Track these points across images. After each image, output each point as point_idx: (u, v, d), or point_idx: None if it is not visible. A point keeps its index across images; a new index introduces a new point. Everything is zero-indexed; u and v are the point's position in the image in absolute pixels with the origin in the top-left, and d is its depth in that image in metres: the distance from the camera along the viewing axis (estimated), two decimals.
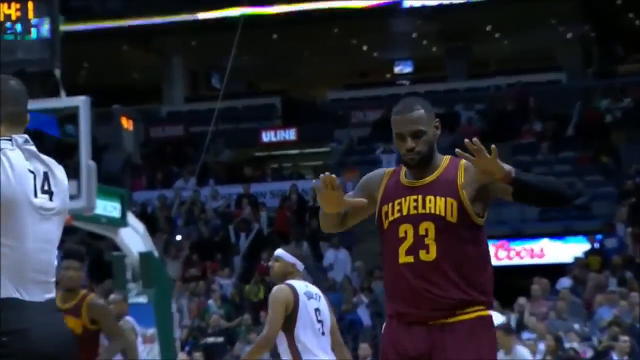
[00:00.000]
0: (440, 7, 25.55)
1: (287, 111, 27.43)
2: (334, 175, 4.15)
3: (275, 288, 6.38)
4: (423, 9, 25.72)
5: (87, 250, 14.13)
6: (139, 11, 25.87)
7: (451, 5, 25.66)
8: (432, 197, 4.16)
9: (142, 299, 11.95)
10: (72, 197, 11.52)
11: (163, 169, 24.02)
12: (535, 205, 4.19)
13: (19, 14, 10.92)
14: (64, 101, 11.41)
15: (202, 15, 26.03)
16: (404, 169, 4.29)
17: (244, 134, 25.43)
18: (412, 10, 25.92)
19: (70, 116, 11.40)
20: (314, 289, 6.49)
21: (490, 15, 26.07)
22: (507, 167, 3.96)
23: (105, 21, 26.00)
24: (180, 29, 26.18)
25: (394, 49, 29.42)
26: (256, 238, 20.06)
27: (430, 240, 4.11)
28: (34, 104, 12.68)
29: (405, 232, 4.15)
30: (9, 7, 10.85)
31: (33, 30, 11.14)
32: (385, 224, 4.20)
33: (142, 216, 17.81)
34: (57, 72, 11.44)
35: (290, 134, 25.71)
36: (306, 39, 26.96)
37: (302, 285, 6.41)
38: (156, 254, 12.78)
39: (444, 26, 26.80)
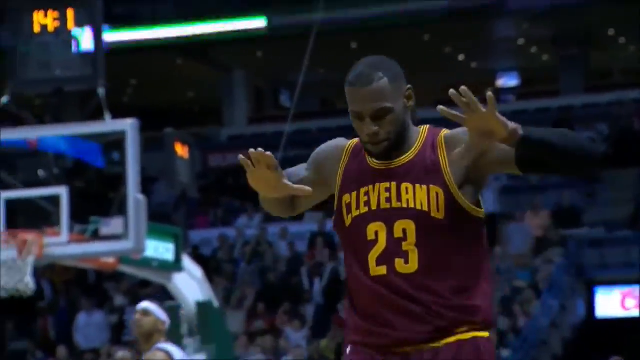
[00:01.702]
0: (552, 7, 25.43)
1: None
2: (269, 153, 3.66)
3: (150, 355, 6.49)
4: (532, 9, 25.62)
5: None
6: (195, 18, 26.17)
7: (566, 5, 25.52)
8: (410, 186, 3.66)
9: (201, 357, 12.02)
10: (118, 237, 11.73)
11: (223, 204, 24.19)
12: (552, 172, 3.68)
13: (57, 24, 11.13)
14: (108, 125, 11.58)
15: (269, 22, 26.21)
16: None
17: None
18: (519, 11, 25.84)
19: (116, 142, 11.55)
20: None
21: (612, 17, 25.88)
22: (511, 123, 3.47)
23: (155, 30, 26.33)
24: (244, 38, 26.40)
25: (496, 58, 29.34)
26: (332, 284, 20.06)
27: (409, 246, 3.62)
28: (73, 129, 12.99)
29: (376, 234, 3.66)
30: (46, 16, 11.04)
31: (73, 43, 11.34)
32: (348, 220, 3.72)
33: (199, 259, 17.95)
34: (101, 91, 11.62)
35: None
36: (390, 48, 26.97)
37: (177, 352, 6.53)
38: (216, 303, 12.86)
39: (557, 30, 26.66)
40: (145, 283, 18.24)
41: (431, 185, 3.63)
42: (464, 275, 3.64)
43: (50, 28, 11.18)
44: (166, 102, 29.16)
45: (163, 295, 14.04)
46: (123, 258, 11.75)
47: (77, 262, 12.46)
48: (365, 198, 3.69)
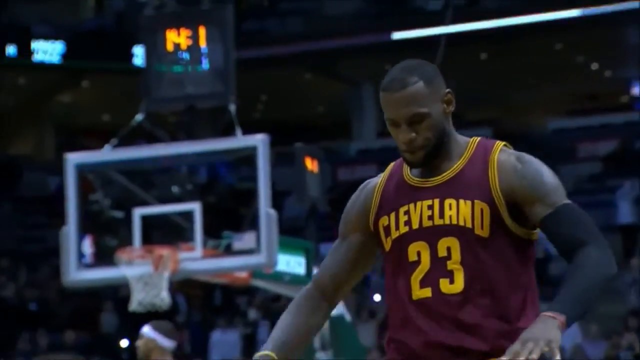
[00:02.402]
0: None
1: None
2: None
3: None
4: None
5: None
6: (323, 32, 26.35)
7: None
8: (454, 201, 3.44)
9: None
10: (250, 252, 11.90)
11: None
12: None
13: (189, 42, 11.34)
14: (239, 141, 11.75)
15: (397, 35, 26.29)
16: (404, 165, 3.57)
17: None
18: None
19: (247, 158, 11.72)
20: None
21: None
22: (550, 332, 3.13)
23: (284, 45, 26.58)
24: (372, 51, 26.49)
25: (631, 66, 28.92)
26: None
27: (454, 265, 3.41)
28: (205, 145, 13.22)
29: (418, 254, 3.44)
30: (179, 35, 11.26)
31: (204, 60, 11.54)
32: (388, 244, 3.50)
33: None
34: (232, 108, 11.80)
35: None
36: (521, 58, 26.85)
37: None
38: (348, 317, 12.95)
39: None
40: (277, 297, 18.45)
41: (476, 201, 3.41)
42: (510, 298, 3.42)
43: (183, 46, 11.39)
44: (296, 117, 29.39)
45: None
46: (255, 272, 11.91)
47: (210, 276, 12.66)
48: (406, 217, 3.47)
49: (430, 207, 3.44)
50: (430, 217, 3.43)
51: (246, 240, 11.42)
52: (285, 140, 24.13)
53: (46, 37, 25.41)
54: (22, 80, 26.27)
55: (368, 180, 3.64)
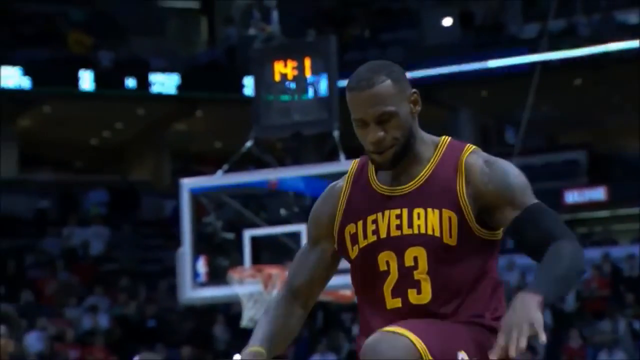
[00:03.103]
0: None
1: (594, 167, 26.94)
2: None
3: None
4: None
5: None
6: (423, 61, 26.32)
7: None
8: (422, 210, 3.24)
9: None
10: None
11: None
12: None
13: (295, 72, 11.40)
14: (343, 165, 11.75)
15: (492, 63, 26.14)
16: (370, 168, 3.37)
17: (544, 194, 24.98)
18: None
19: None
20: None
21: None
22: (531, 315, 2.99)
23: None
24: (469, 79, 26.38)
25: None
26: (561, 316, 19.74)
27: (421, 275, 3.22)
28: (311, 170, 13.25)
29: (387, 264, 3.25)
30: (285, 66, 11.34)
31: (309, 89, 11.59)
32: (354, 252, 3.31)
33: None
34: (336, 134, 11.82)
35: (599, 194, 25.22)
36: (616, 83, 26.47)
37: None
38: None
39: None
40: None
41: (444, 209, 3.23)
42: (479, 300, 3.28)
43: (290, 76, 11.45)
44: None
45: None
46: None
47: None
48: (374, 226, 3.26)
49: (399, 217, 3.26)
50: (399, 227, 3.25)
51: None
52: None
53: (163, 70, 25.75)
54: (141, 111, 26.64)
55: (334, 183, 3.45)
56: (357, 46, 27.19)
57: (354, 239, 3.30)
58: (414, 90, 3.32)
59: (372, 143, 3.26)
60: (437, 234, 3.22)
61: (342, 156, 11.73)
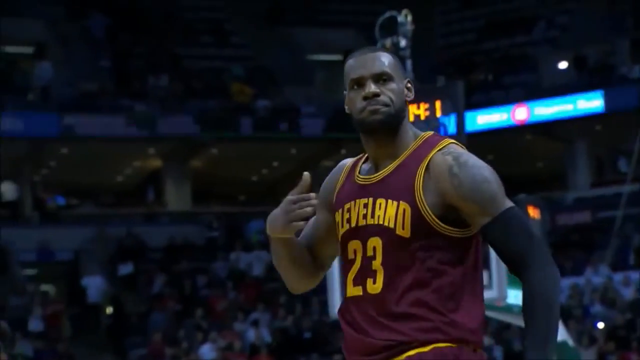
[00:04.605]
0: None
1: None
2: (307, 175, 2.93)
3: None
4: None
5: None
6: (537, 101, 25.99)
7: None
8: (383, 201, 2.92)
9: None
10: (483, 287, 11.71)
11: (572, 257, 23.66)
12: None
13: (427, 113, 11.38)
14: None
15: (605, 101, 25.67)
16: (364, 158, 3.05)
17: None
18: None
19: None
20: None
21: None
22: None
23: (507, 112, 26.32)
24: (584, 115, 25.95)
25: None
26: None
27: (377, 265, 2.90)
28: None
29: (355, 252, 2.96)
30: (418, 108, 11.33)
31: (440, 128, 11.55)
32: (339, 240, 3.02)
33: None
34: None
35: None
36: None
37: None
38: (571, 342, 12.57)
39: None
40: (508, 325, 18.08)
41: (401, 201, 2.88)
42: (433, 299, 2.87)
43: (422, 117, 11.43)
44: (519, 172, 28.96)
45: (524, 337, 13.84)
46: (488, 305, 11.74)
47: None
48: (347, 215, 2.98)
49: (365, 206, 2.95)
50: (365, 216, 2.94)
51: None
52: (511, 192, 23.82)
53: (311, 114, 26.00)
54: (293, 150, 26.92)
55: (342, 163, 3.12)
56: (481, 89, 27.02)
57: (337, 226, 3.02)
58: (408, 79, 3.01)
59: (367, 97, 2.92)
60: (392, 225, 2.89)
61: None
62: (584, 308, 20.78)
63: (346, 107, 3.02)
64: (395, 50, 11.83)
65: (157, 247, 23.85)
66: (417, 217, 2.87)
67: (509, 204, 2.88)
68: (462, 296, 2.90)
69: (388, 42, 11.91)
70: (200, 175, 27.10)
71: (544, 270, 2.81)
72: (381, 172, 2.96)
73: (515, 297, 11.75)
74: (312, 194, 2.90)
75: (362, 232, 2.94)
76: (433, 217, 2.87)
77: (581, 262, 23.22)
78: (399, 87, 2.95)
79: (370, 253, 2.92)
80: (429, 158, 2.91)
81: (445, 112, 11.44)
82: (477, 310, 2.92)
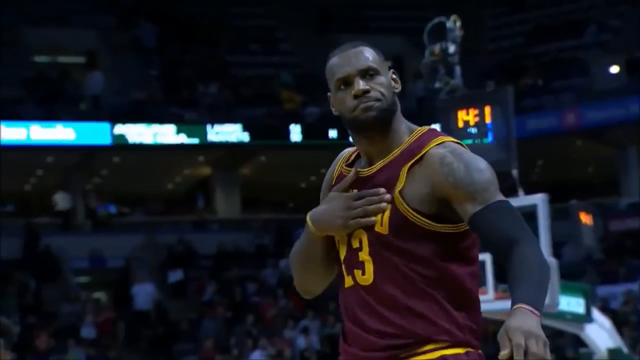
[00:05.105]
0: None
1: None
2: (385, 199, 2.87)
3: None
4: None
5: None
6: (588, 105, 25.75)
7: None
8: None
9: None
10: None
11: (626, 263, 23.40)
12: None
13: (477, 119, 11.37)
14: (522, 200, 11.60)
15: None
16: (353, 156, 3.07)
17: None
18: None
19: (528, 214, 11.55)
20: None
21: None
22: (515, 323, 2.56)
23: (558, 117, 26.13)
24: (636, 120, 25.66)
25: None
26: None
27: (365, 256, 2.89)
28: None
29: (339, 242, 2.97)
30: (468, 114, 11.33)
31: (489, 134, 11.52)
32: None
33: (606, 311, 17.44)
34: (514, 172, 11.68)
35: None
36: None
37: None
38: (625, 349, 12.44)
39: None
40: (560, 332, 17.93)
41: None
42: (430, 292, 2.81)
43: (471, 123, 11.42)
44: (569, 177, 28.74)
45: (577, 343, 13.76)
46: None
47: (500, 315, 12.49)
48: None
49: None
50: None
51: None
52: (562, 198, 23.64)
53: None
54: None
55: (342, 152, 3.13)
56: (531, 94, 26.85)
57: None
58: (392, 70, 2.96)
59: (357, 95, 2.85)
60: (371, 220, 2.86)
61: (521, 192, 11.57)
62: (638, 314, 20.54)
63: (333, 109, 2.97)
64: (444, 56, 11.83)
65: (207, 254, 23.98)
66: (396, 216, 2.83)
67: (502, 197, 2.82)
68: (462, 296, 2.84)
69: (437, 47, 11.89)
70: (250, 183, 27.20)
71: (536, 247, 2.73)
72: (372, 167, 2.92)
73: (567, 304, 11.68)
74: (382, 189, 2.87)
75: None
76: (412, 212, 2.82)
77: (635, 269, 22.97)
78: (387, 79, 2.89)
79: (356, 245, 2.89)
80: (422, 152, 2.85)
81: (494, 118, 11.41)
82: (478, 312, 2.87)
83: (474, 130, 11.56)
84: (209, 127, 24.75)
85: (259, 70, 28.10)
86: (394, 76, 2.93)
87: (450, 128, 11.76)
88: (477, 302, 2.88)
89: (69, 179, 24.98)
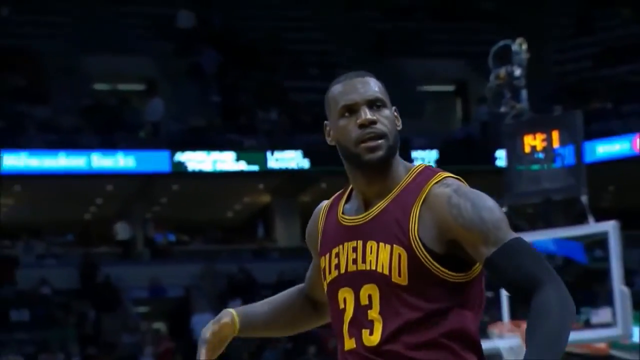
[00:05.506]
0: None
1: None
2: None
3: None
4: None
5: None
6: None
7: None
8: (375, 244, 2.67)
9: None
10: (607, 325, 11.43)
11: None
12: None
13: (544, 144, 11.23)
14: (592, 227, 11.42)
15: None
16: (345, 196, 2.83)
17: None
18: None
19: (598, 241, 11.35)
20: None
21: None
22: None
23: (629, 142, 25.78)
24: None
25: None
26: None
27: (374, 314, 2.65)
28: (559, 232, 12.87)
29: (345, 301, 2.70)
30: (534, 138, 11.20)
31: (557, 159, 11.37)
32: (325, 287, 2.78)
33: None
34: (584, 198, 11.49)
35: None
36: None
37: None
38: None
39: None
40: None
41: (395, 245, 2.64)
42: (436, 347, 2.64)
43: (539, 147, 11.28)
44: None
45: None
46: (613, 343, 11.43)
47: (572, 347, 12.27)
48: (336, 260, 2.73)
49: (355, 250, 2.70)
50: (355, 261, 2.69)
51: (602, 314, 11.02)
52: (634, 225, 23.25)
53: (423, 147, 25.86)
54: None
55: (317, 207, 2.94)
56: (600, 117, 26.52)
57: (324, 273, 2.78)
58: (394, 107, 2.80)
59: (363, 125, 2.68)
60: (387, 271, 2.64)
61: (590, 219, 11.38)
62: None
63: (328, 139, 2.82)
64: (509, 80, 11.70)
65: (267, 283, 23.93)
66: (414, 263, 2.63)
67: (515, 234, 2.66)
68: (473, 341, 2.71)
69: (502, 71, 11.77)
70: (310, 210, 27.04)
71: (561, 289, 2.56)
72: (371, 210, 2.71)
73: None
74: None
75: (353, 279, 2.70)
76: (431, 261, 2.63)
77: None
78: (392, 114, 2.75)
79: (365, 302, 2.67)
80: (425, 192, 2.67)
81: (563, 143, 11.24)
82: (482, 356, 2.75)
83: (541, 155, 11.41)
84: (268, 153, 24.78)
85: (318, 95, 28.12)
86: (396, 113, 2.78)
87: (516, 153, 11.63)
88: (480, 346, 2.76)
89: (129, 207, 25.15)
